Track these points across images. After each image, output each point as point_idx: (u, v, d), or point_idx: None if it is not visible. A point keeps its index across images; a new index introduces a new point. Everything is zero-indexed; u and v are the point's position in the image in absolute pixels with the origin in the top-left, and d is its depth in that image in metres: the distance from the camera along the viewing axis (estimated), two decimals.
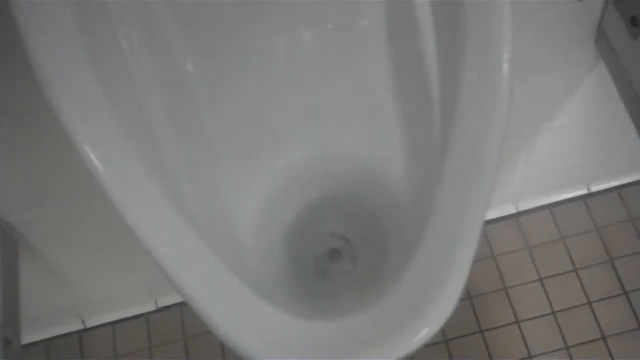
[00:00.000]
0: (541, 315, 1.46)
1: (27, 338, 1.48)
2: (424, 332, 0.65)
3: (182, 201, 0.75)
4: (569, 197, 1.55)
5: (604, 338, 1.42)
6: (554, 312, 1.46)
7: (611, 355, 1.40)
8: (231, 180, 0.86)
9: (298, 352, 0.65)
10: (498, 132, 0.69)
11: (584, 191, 1.55)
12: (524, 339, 1.44)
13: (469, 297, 1.48)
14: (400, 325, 0.65)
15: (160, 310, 1.53)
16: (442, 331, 1.43)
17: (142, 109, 0.77)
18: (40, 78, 0.68)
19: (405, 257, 0.69)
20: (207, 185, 0.84)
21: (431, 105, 0.77)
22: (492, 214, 1.54)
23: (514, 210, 1.55)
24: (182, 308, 1.52)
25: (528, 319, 1.46)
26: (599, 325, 1.44)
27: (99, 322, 1.53)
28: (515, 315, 1.46)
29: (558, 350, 1.42)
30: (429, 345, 1.43)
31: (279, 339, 0.65)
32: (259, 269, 0.83)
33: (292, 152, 0.89)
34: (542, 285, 1.49)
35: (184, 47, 0.81)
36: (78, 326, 1.53)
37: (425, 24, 0.77)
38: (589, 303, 1.46)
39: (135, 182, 0.69)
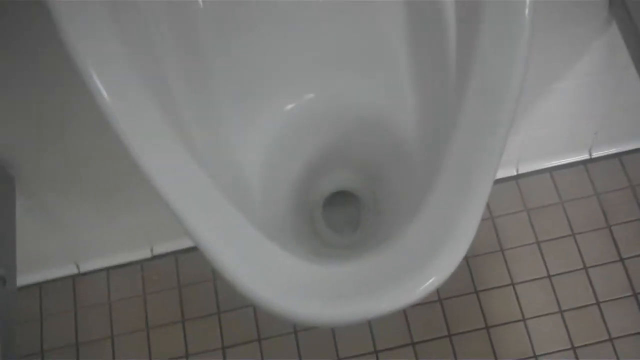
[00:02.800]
0: (537, 279, 1.46)
1: (21, 280, 1.47)
2: (430, 281, 0.64)
3: (190, 141, 0.74)
4: (570, 161, 1.55)
5: (598, 303, 1.42)
6: (549, 276, 1.46)
7: (604, 321, 1.41)
8: (238, 123, 0.84)
9: (303, 295, 0.64)
10: (515, 85, 0.68)
11: (585, 156, 1.54)
12: (518, 301, 1.44)
13: (465, 257, 1.47)
14: (407, 274, 0.64)
15: (155, 257, 1.53)
16: (437, 290, 1.43)
17: (150, 42, 0.75)
18: (54, 14, 0.67)
19: (414, 207, 0.68)
20: (214, 127, 0.82)
21: (447, 55, 0.75)
22: None
23: (514, 172, 1.54)
24: (178, 256, 1.52)
25: (523, 282, 1.46)
26: (594, 291, 1.44)
27: (93, 267, 1.53)
28: (511, 277, 1.46)
29: (552, 313, 1.42)
30: (423, 303, 1.43)
31: (287, 282, 0.64)
32: (267, 213, 0.83)
33: (299, 96, 0.87)
34: (539, 248, 1.48)
35: None
36: (72, 270, 1.52)
37: None
38: (585, 268, 1.46)
39: (145, 119, 0.68)
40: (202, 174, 0.68)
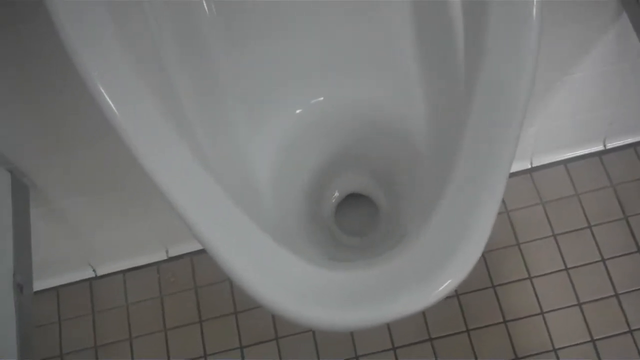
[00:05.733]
0: (554, 272, 1.45)
1: (38, 285, 1.47)
2: (446, 284, 0.64)
3: (198, 147, 0.74)
4: (584, 153, 1.54)
5: (616, 295, 1.42)
6: (567, 269, 1.45)
7: (624, 312, 1.40)
8: (248, 127, 0.84)
9: (317, 301, 0.64)
10: (526, 81, 0.67)
11: (599, 147, 1.53)
12: (536, 294, 1.43)
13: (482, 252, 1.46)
14: (423, 277, 0.64)
15: (171, 259, 1.53)
16: None
17: (156, 49, 0.75)
18: (55, 19, 0.67)
19: (428, 210, 0.68)
20: (222, 132, 0.82)
21: (455, 54, 0.75)
22: None
23: (528, 165, 1.54)
24: (193, 257, 1.52)
25: (541, 275, 1.45)
26: (612, 282, 1.43)
27: (109, 271, 1.54)
28: (528, 272, 1.45)
29: (570, 306, 1.42)
30: None
31: (300, 288, 0.64)
32: (279, 218, 0.82)
33: (308, 100, 0.87)
34: (556, 241, 1.48)
35: None
36: (89, 274, 1.53)
37: None
38: (603, 260, 1.45)
39: (152, 126, 0.68)
40: (212, 180, 0.68)
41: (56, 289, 1.53)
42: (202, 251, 1.51)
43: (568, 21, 1.16)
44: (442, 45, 0.78)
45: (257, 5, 0.81)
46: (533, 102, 1.35)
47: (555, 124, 1.44)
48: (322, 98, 0.87)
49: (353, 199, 0.91)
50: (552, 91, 1.34)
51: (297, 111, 0.87)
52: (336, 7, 0.82)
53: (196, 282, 1.51)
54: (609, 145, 1.54)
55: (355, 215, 0.91)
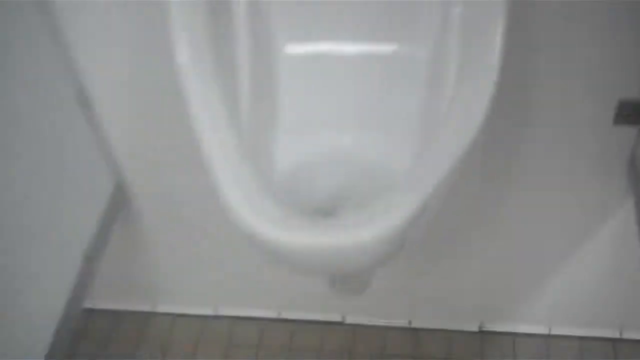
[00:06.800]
0: None
1: (101, 304, 1.71)
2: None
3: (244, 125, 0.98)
4: (599, 335, 1.62)
5: None
6: None
7: None
8: (284, 142, 1.06)
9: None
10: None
11: (616, 334, 1.62)
12: None
13: None
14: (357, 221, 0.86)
15: (217, 317, 1.72)
16: None
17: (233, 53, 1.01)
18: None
19: None
20: (267, 125, 1.04)
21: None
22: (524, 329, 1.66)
23: (546, 331, 1.64)
24: (235, 320, 1.71)
25: None
26: None
27: (163, 310, 1.73)
28: None
29: None
30: None
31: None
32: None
33: (331, 141, 1.07)
34: None
35: (281, 30, 1.06)
36: (146, 307, 1.73)
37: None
38: None
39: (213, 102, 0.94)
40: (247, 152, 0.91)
41: (115, 312, 1.73)
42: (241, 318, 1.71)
43: (586, 193, 1.31)
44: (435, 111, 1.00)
45: (325, 53, 1.05)
46: (549, 270, 1.51)
47: (573, 298, 1.56)
48: (347, 144, 1.07)
49: None
50: (566, 263, 1.48)
51: (325, 149, 1.08)
52: (375, 66, 1.06)
53: (230, 343, 1.68)
54: (625, 335, 1.61)
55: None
